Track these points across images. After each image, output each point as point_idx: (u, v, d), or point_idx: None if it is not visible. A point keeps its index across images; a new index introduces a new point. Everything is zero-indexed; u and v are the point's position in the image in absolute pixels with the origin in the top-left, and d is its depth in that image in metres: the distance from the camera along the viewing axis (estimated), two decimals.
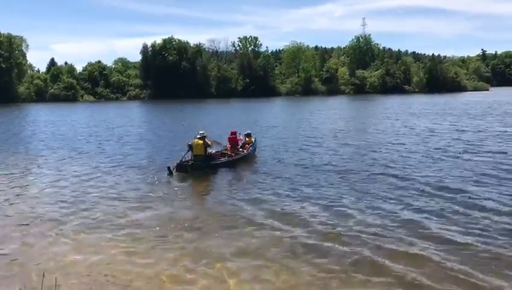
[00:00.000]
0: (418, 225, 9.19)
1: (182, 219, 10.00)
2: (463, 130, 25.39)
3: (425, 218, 9.60)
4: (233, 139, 17.30)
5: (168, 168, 14.51)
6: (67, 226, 9.64)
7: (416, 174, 13.80)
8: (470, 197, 11.05)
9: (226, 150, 16.82)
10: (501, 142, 20.33)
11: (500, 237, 8.36)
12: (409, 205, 10.63)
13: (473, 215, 9.71)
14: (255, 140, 18.13)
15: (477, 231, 8.72)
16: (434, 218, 9.59)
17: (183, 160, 15.03)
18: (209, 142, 15.27)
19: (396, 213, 10.02)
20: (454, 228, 8.96)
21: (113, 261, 7.74)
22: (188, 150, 15.19)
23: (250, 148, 17.41)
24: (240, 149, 17.16)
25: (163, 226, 9.47)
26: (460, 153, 17.53)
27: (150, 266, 7.49)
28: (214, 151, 15.87)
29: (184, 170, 14.52)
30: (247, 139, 17.84)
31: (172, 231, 9.17)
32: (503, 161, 15.57)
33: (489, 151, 17.75)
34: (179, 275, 7.18)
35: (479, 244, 8.06)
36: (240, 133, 17.96)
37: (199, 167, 14.66)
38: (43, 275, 6.11)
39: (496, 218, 9.44)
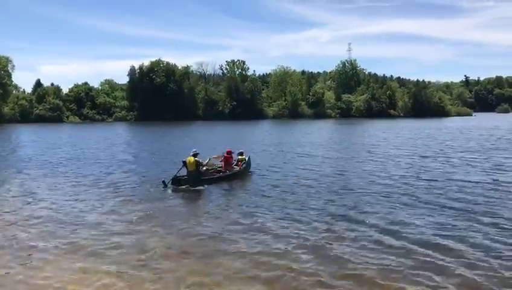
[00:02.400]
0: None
1: (166, 243, 9.74)
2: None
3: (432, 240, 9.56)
4: (227, 157, 18.61)
5: (163, 181, 15.82)
6: (44, 250, 9.37)
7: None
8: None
9: (221, 167, 18.30)
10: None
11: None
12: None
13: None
14: (248, 158, 19.59)
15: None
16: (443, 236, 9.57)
17: (178, 175, 16.24)
18: (202, 161, 16.65)
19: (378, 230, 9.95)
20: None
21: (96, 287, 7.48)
22: (183, 166, 16.45)
23: (243, 165, 18.92)
24: (234, 166, 18.61)
25: (145, 252, 9.18)
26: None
27: None
28: (205, 169, 16.93)
29: (178, 183, 15.87)
30: (239, 157, 19.29)
31: (153, 258, 8.89)
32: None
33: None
34: None
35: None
36: (233, 152, 19.14)
37: (192, 181, 15.92)
38: None
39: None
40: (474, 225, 10.59)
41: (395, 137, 40.96)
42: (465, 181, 16.23)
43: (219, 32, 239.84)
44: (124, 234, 10.43)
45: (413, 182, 16.39)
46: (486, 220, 10.96)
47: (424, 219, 11.21)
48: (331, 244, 9.41)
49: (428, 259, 8.36)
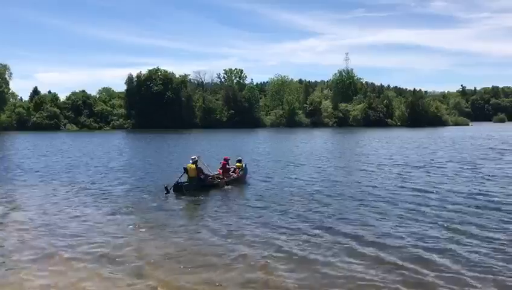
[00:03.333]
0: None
1: (163, 251, 9.68)
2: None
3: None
4: (225, 165, 19.01)
5: (166, 187, 16.11)
6: (48, 257, 9.38)
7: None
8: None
9: (219, 174, 18.59)
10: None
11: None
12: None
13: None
14: (245, 165, 19.91)
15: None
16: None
17: (179, 181, 16.58)
18: (202, 167, 17.09)
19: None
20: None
21: None
22: (184, 173, 16.88)
23: (240, 172, 19.34)
24: (232, 173, 19.00)
25: (141, 259, 9.16)
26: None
27: None
28: (204, 176, 17.24)
29: (179, 189, 16.27)
30: (237, 164, 19.63)
31: (150, 265, 8.89)
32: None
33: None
34: None
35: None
36: (229, 159, 19.58)
37: (192, 187, 16.43)
38: None
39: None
40: (452, 235, 10.43)
41: (388, 146, 40.76)
42: (448, 191, 16.01)
43: (217, 42, 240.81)
44: (120, 241, 10.41)
45: (397, 192, 16.16)
46: (465, 230, 10.76)
47: (402, 228, 11.09)
48: (307, 252, 9.41)
49: (407, 272, 8.15)
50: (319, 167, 24.62)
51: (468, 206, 13.49)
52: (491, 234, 10.41)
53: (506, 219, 11.80)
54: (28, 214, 13.39)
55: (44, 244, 10.17)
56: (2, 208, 13.99)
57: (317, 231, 10.92)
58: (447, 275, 8.02)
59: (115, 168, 24.57)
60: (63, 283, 7.94)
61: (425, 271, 8.19)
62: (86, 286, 7.76)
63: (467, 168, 22.84)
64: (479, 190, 16.20)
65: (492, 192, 15.76)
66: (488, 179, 18.96)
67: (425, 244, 9.75)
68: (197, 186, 16.65)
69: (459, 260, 8.79)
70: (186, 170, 16.82)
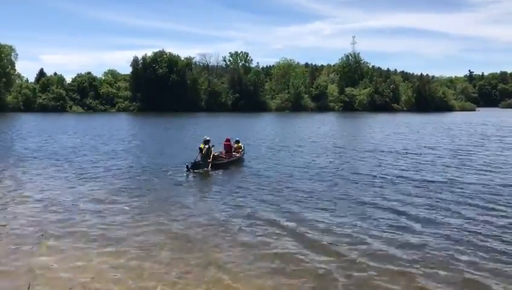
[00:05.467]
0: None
1: (170, 233, 9.90)
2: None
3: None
4: (228, 145, 20.62)
5: (187, 166, 17.69)
6: (56, 237, 9.55)
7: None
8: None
9: (221, 153, 19.94)
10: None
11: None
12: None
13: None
14: (243, 146, 21.58)
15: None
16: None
17: (196, 160, 18.13)
18: (210, 154, 18.36)
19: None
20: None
21: (98, 275, 7.61)
22: (199, 153, 18.38)
23: (242, 152, 20.92)
24: (234, 153, 20.46)
25: (146, 241, 9.36)
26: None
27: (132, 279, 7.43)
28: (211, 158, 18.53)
29: (197, 167, 17.74)
30: (236, 145, 21.11)
31: (160, 244, 9.12)
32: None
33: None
34: None
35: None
36: (231, 139, 21.27)
37: (205, 165, 17.89)
38: (29, 287, 5.90)
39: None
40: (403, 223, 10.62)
41: (388, 133, 40.24)
42: (421, 180, 15.85)
43: (222, 24, 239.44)
44: (126, 223, 10.58)
45: (373, 180, 15.97)
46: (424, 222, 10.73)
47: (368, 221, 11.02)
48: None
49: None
50: (313, 154, 24.66)
51: (417, 195, 13.63)
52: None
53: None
54: (26, 192, 13.77)
55: (42, 222, 10.39)
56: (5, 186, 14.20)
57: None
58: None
59: (121, 151, 24.74)
60: (62, 262, 8.13)
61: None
62: (83, 265, 7.92)
63: (443, 156, 22.87)
64: (443, 177, 16.36)
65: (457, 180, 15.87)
66: (457, 167, 18.85)
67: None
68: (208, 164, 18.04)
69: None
70: (201, 150, 18.33)
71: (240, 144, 21.28)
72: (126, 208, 12.06)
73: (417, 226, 10.31)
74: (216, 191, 14.64)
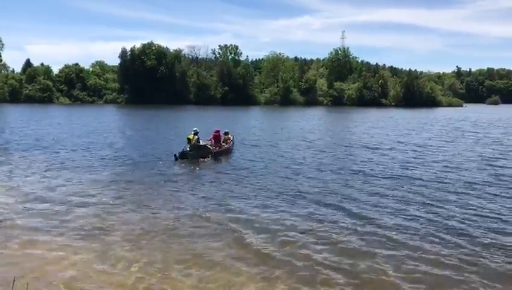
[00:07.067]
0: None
1: (154, 223, 10.04)
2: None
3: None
4: (216, 136, 21.27)
5: (175, 155, 18.80)
6: (40, 229, 9.59)
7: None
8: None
9: (209, 144, 20.49)
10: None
11: None
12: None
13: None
14: (233, 137, 22.56)
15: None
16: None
17: (184, 150, 19.10)
18: (199, 139, 19.70)
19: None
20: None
21: (86, 268, 7.66)
22: (187, 143, 19.41)
23: (231, 143, 21.79)
24: (223, 144, 21.16)
25: (131, 231, 9.50)
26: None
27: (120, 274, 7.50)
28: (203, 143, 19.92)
29: (185, 157, 18.78)
30: (225, 136, 21.86)
31: (147, 236, 9.24)
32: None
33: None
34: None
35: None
36: (220, 130, 21.88)
37: (194, 155, 18.96)
38: (14, 281, 5.94)
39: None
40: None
41: (367, 127, 40.49)
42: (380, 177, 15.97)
43: (210, 17, 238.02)
44: (110, 213, 10.69)
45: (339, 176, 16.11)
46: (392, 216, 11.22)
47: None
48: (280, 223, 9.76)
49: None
50: (297, 150, 24.85)
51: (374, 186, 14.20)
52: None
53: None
54: (12, 184, 13.76)
55: (32, 215, 10.34)
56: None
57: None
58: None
59: (109, 143, 24.57)
60: (49, 255, 8.19)
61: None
62: (69, 256, 7.98)
63: (410, 151, 23.35)
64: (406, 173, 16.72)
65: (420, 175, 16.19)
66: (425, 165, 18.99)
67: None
68: (197, 153, 19.10)
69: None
70: (189, 140, 19.35)
71: (229, 136, 22.08)
72: (111, 198, 12.14)
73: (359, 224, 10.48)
74: (200, 182, 14.87)
